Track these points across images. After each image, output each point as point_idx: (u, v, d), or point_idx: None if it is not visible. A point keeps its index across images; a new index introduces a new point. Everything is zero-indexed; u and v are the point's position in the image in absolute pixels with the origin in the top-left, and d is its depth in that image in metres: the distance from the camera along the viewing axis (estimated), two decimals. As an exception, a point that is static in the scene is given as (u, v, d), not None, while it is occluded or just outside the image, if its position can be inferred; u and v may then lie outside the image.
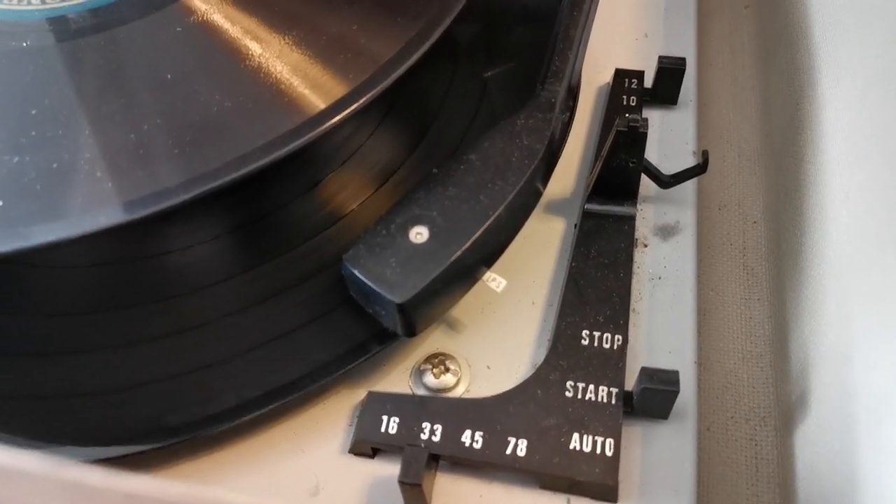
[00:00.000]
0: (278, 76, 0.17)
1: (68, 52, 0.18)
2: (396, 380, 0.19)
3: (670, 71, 0.24)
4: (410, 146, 0.21)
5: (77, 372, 0.18)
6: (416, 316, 0.17)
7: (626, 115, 0.19)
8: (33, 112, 0.17)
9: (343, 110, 0.16)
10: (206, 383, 0.17)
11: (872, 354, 0.16)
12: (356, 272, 0.16)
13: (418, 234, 0.17)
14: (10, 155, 0.16)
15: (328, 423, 0.18)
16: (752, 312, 0.21)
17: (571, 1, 0.21)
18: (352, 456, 0.18)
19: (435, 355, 0.19)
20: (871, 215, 0.17)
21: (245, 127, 0.16)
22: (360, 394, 0.19)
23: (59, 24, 0.19)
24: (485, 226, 0.17)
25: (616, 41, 0.27)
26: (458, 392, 0.19)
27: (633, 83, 0.24)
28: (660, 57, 0.24)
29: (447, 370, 0.19)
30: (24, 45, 0.18)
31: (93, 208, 0.15)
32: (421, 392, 0.19)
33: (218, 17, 0.19)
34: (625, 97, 0.24)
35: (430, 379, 0.19)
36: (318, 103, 0.16)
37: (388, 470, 0.18)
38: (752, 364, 0.21)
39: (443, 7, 0.18)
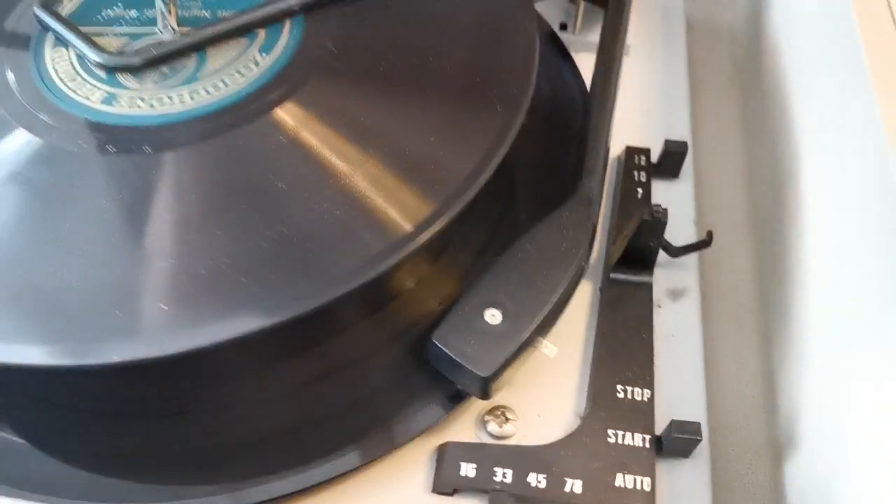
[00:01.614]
0: (366, 194, 0.20)
1: (181, 160, 0.21)
2: (463, 429, 0.23)
3: (674, 153, 0.28)
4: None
5: (206, 430, 0.21)
6: (492, 384, 0.20)
7: (651, 205, 0.23)
8: (170, 218, 0.20)
9: (433, 226, 0.19)
10: (322, 436, 0.21)
11: (849, 398, 0.20)
12: (445, 350, 0.20)
13: (493, 315, 0.21)
14: (165, 260, 0.19)
15: (412, 466, 0.22)
16: (744, 360, 0.26)
17: (598, 100, 0.25)
18: (435, 495, 0.22)
19: (497, 407, 0.23)
20: (844, 281, 0.22)
21: (366, 233, 0.19)
22: (433, 441, 0.23)
23: (170, 131, 0.22)
24: (546, 309, 0.21)
25: (619, 116, 0.31)
26: (516, 439, 0.23)
27: (641, 159, 0.29)
28: (665, 140, 0.28)
29: (507, 420, 0.23)
30: (146, 150, 0.21)
31: (245, 309, 0.18)
32: (485, 439, 0.23)
33: (306, 134, 0.22)
34: (636, 172, 0.28)
35: (493, 428, 0.23)
36: (424, 210, 0.20)
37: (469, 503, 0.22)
38: (746, 405, 0.25)
39: (509, 110, 0.22)
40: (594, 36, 0.34)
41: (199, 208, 0.20)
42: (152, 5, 0.25)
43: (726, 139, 0.33)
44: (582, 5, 0.32)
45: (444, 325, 0.21)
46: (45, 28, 0.24)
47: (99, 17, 0.25)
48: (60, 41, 0.24)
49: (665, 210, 0.23)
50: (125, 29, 0.24)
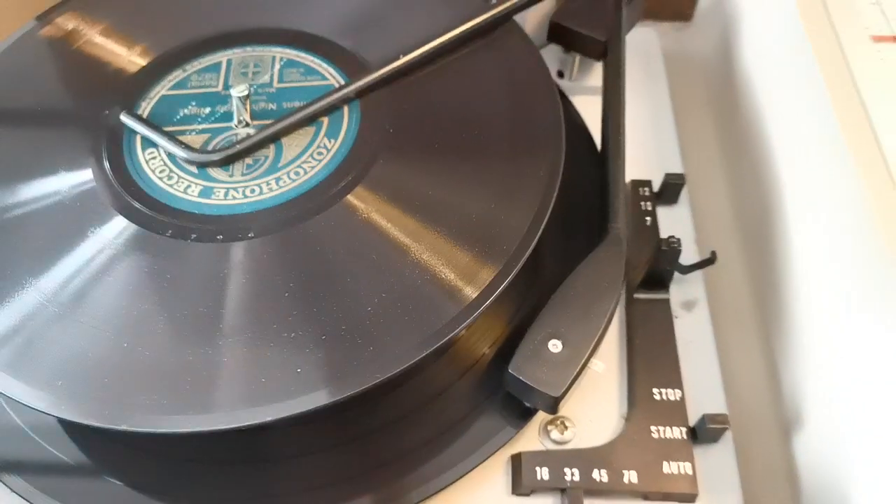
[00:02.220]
0: (434, 265, 0.25)
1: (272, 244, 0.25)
2: (529, 440, 0.27)
3: (673, 184, 0.33)
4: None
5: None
6: (560, 401, 0.25)
7: (669, 237, 0.28)
8: (286, 295, 0.24)
9: (498, 289, 0.24)
10: (423, 460, 0.25)
11: (844, 382, 0.25)
12: (521, 378, 0.24)
13: (555, 345, 0.25)
14: (288, 332, 0.23)
15: (493, 475, 0.27)
16: (750, 357, 0.31)
17: (612, 151, 0.30)
18: (515, 497, 0.26)
19: (556, 418, 0.28)
20: (830, 281, 0.27)
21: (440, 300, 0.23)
22: (505, 452, 0.27)
23: (266, 217, 0.26)
24: (598, 336, 0.25)
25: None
26: (575, 443, 0.27)
27: (645, 191, 0.33)
28: (666, 174, 0.33)
29: (566, 428, 0.27)
30: (250, 236, 0.25)
31: (362, 368, 0.22)
32: (549, 446, 0.27)
33: (371, 219, 0.25)
34: (641, 203, 0.33)
35: (556, 435, 0.27)
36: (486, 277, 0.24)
37: (544, 501, 0.26)
38: (755, 394, 0.30)
39: (551, 169, 0.26)
40: (588, 81, 0.39)
41: (308, 283, 0.24)
42: (223, 102, 0.29)
43: (708, 162, 0.38)
44: (578, 58, 0.36)
45: (516, 357, 0.25)
46: (133, 132, 0.28)
47: (176, 116, 0.28)
48: (149, 143, 0.28)
49: (679, 240, 0.28)
50: (204, 126, 0.28)
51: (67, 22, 0.33)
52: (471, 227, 0.25)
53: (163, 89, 0.29)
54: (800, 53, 0.30)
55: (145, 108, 0.29)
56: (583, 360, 0.25)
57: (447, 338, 0.23)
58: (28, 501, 0.25)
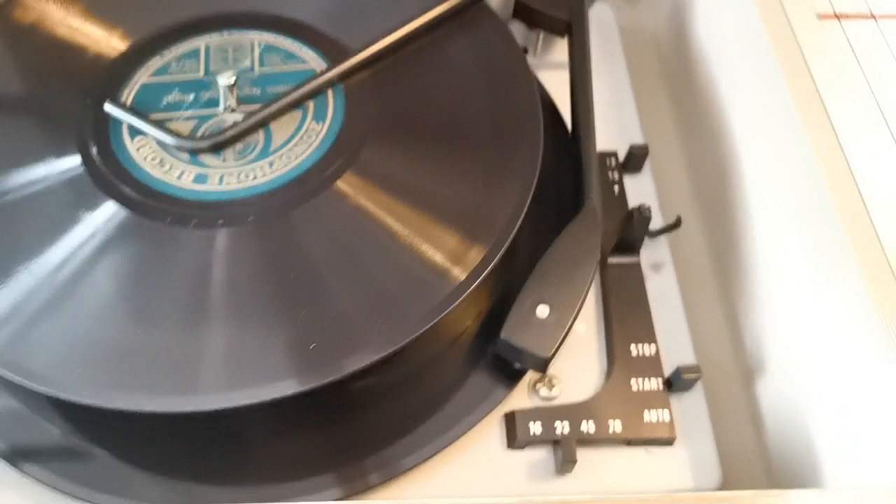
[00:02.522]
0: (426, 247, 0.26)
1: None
2: (518, 398, 0.29)
3: (637, 154, 0.35)
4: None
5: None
6: (550, 361, 0.27)
7: (641, 205, 0.30)
8: (292, 276, 0.25)
9: (487, 269, 0.25)
10: (426, 422, 0.27)
11: (799, 329, 0.28)
12: (512, 341, 0.26)
13: (542, 310, 0.27)
14: (298, 312, 0.24)
15: (487, 433, 0.28)
16: (712, 311, 0.34)
17: (584, 129, 0.32)
18: (511, 451, 0.28)
19: (543, 376, 0.30)
20: (780, 240, 0.29)
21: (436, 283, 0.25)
22: (498, 411, 0.29)
23: (262, 201, 0.26)
24: (581, 300, 0.27)
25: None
26: (562, 399, 0.29)
27: (611, 161, 0.35)
28: (630, 145, 0.35)
29: (553, 385, 0.29)
30: (251, 220, 0.26)
31: (368, 345, 0.23)
32: (538, 402, 0.29)
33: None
34: (609, 172, 0.35)
35: (544, 392, 0.29)
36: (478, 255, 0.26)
37: (538, 454, 0.28)
38: (718, 345, 0.33)
39: (531, 153, 0.28)
40: (551, 56, 0.40)
41: (311, 264, 0.25)
42: (207, 87, 0.29)
43: (664, 132, 0.40)
44: (542, 34, 0.38)
45: (507, 323, 0.27)
46: (119, 121, 0.28)
47: (161, 104, 0.29)
48: (137, 131, 0.28)
49: (650, 208, 0.30)
50: (190, 112, 0.28)
51: (37, 3, 0.32)
52: (459, 208, 0.27)
53: (143, 77, 0.29)
54: (751, 29, 0.32)
55: (128, 95, 0.29)
56: (569, 323, 0.27)
57: (446, 311, 0.25)
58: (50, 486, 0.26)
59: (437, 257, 0.26)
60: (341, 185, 0.27)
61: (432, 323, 0.25)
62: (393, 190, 0.27)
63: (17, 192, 0.27)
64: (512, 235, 0.26)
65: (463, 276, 0.26)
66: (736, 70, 0.35)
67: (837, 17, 0.32)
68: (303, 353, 0.23)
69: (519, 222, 0.26)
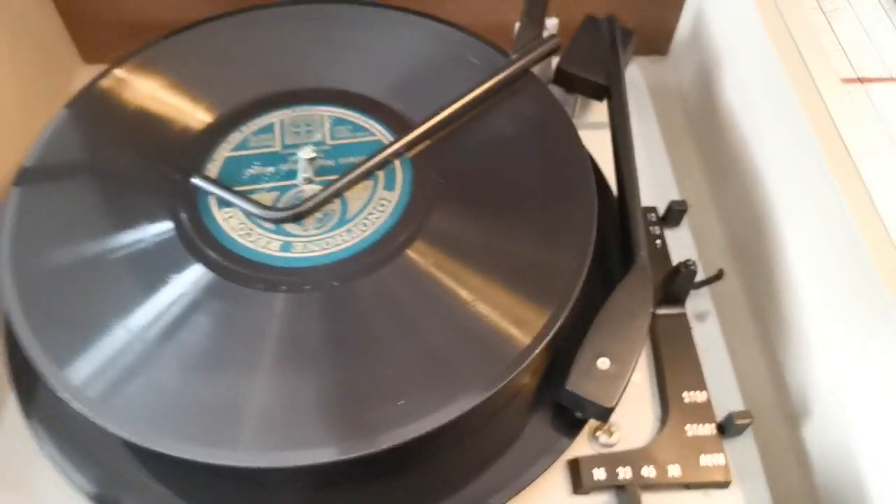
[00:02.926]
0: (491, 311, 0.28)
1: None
2: (579, 445, 0.31)
3: (677, 210, 0.37)
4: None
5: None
6: (612, 411, 0.29)
7: (686, 260, 0.32)
8: (377, 336, 0.27)
9: (551, 331, 0.27)
10: (494, 471, 0.28)
11: (843, 371, 0.30)
12: (578, 393, 0.28)
13: (603, 362, 0.29)
14: (384, 369, 0.26)
15: (552, 479, 0.30)
16: (753, 358, 0.35)
17: (629, 189, 0.34)
18: (576, 496, 0.30)
19: (602, 424, 0.31)
20: (816, 285, 0.31)
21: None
22: (561, 458, 0.31)
23: (344, 268, 0.28)
24: (638, 352, 0.29)
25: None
26: (621, 446, 0.31)
27: (652, 216, 0.38)
28: (671, 201, 0.37)
29: (612, 433, 0.31)
30: (335, 285, 0.28)
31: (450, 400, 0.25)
32: (599, 449, 0.31)
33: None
34: (650, 227, 0.37)
35: (604, 439, 0.31)
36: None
37: (601, 498, 0.30)
38: (760, 387, 0.35)
39: (587, 215, 0.30)
40: (588, 118, 0.43)
41: (390, 325, 0.27)
42: (284, 160, 0.32)
43: (695, 186, 0.43)
44: (579, 98, 0.41)
45: (572, 376, 0.28)
46: (207, 194, 0.30)
47: (243, 176, 0.31)
48: (224, 203, 0.30)
49: (695, 262, 0.32)
50: (271, 184, 0.31)
51: (126, 77, 0.35)
52: (523, 271, 0.29)
53: (225, 150, 0.32)
54: (778, 90, 0.35)
55: (212, 169, 0.31)
56: (629, 373, 0.29)
57: (517, 370, 0.27)
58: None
59: (506, 321, 0.28)
60: (412, 253, 0.29)
61: (504, 382, 0.26)
62: (460, 255, 0.29)
63: (116, 253, 0.29)
64: (574, 297, 0.28)
65: (529, 339, 0.27)
66: (764, 126, 0.38)
67: (860, 80, 0.34)
68: (392, 407, 0.25)
69: (580, 284, 0.28)
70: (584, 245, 0.29)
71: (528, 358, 0.27)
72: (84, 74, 0.47)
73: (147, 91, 0.34)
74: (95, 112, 0.34)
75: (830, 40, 0.36)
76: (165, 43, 0.36)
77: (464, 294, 0.28)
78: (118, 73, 0.35)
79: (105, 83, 0.35)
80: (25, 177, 0.32)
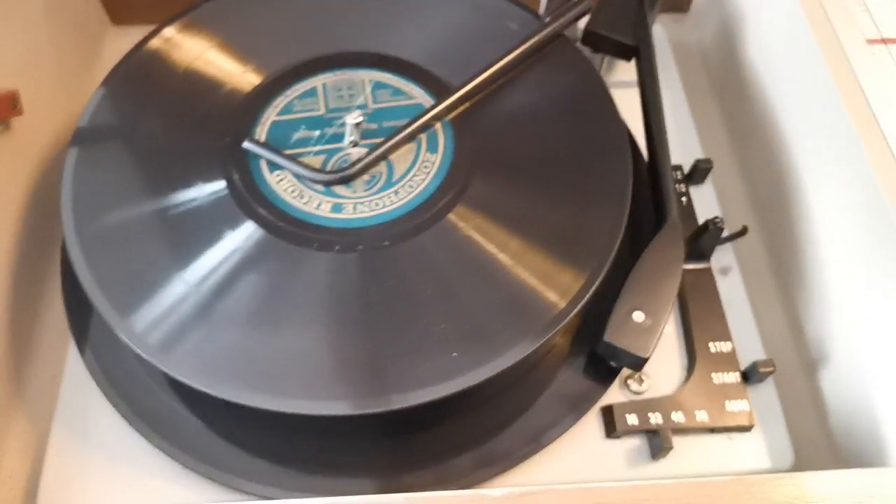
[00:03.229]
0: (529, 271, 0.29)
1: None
2: (610, 393, 0.33)
3: (702, 168, 0.38)
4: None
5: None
6: (646, 361, 0.30)
7: (714, 217, 0.34)
8: (429, 293, 0.28)
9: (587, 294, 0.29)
10: (538, 417, 0.30)
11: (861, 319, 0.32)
12: (616, 344, 0.30)
13: (638, 315, 0.31)
14: (436, 325, 0.27)
15: (587, 425, 0.32)
16: (772, 309, 0.37)
17: (660, 149, 0.35)
18: (609, 440, 0.32)
19: (633, 373, 0.33)
20: (836, 241, 0.33)
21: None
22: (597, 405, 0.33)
23: (393, 227, 0.30)
24: (671, 305, 0.31)
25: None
26: (650, 393, 0.33)
27: (677, 174, 0.39)
28: (696, 159, 0.38)
29: (642, 381, 0.33)
30: (385, 244, 0.29)
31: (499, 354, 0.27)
32: (630, 396, 0.33)
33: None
34: (676, 185, 0.39)
35: (635, 386, 0.33)
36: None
37: (632, 442, 0.32)
38: (779, 336, 0.37)
39: (622, 180, 0.31)
40: (613, 77, 0.44)
41: (441, 282, 0.29)
42: (328, 124, 0.33)
43: (717, 144, 0.44)
44: (606, 58, 0.41)
45: (609, 328, 0.30)
46: (257, 157, 0.31)
47: (291, 140, 0.32)
48: (275, 166, 0.31)
49: (722, 219, 0.34)
50: (318, 147, 0.32)
51: (173, 38, 0.36)
52: (562, 234, 0.30)
53: (271, 115, 0.33)
54: (805, 50, 0.36)
55: (261, 133, 0.32)
56: (662, 325, 0.31)
57: (556, 328, 0.28)
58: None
59: (560, 278, 0.29)
60: (456, 214, 0.30)
61: (543, 341, 0.28)
62: (502, 216, 0.30)
63: (175, 209, 0.30)
64: (609, 263, 0.29)
65: (565, 303, 0.29)
66: (788, 84, 0.39)
67: (884, 41, 0.35)
68: (445, 359, 0.27)
69: (615, 249, 0.30)
70: (619, 210, 0.31)
71: (565, 319, 0.29)
72: (112, 36, 0.48)
73: (194, 53, 0.35)
74: (143, 73, 0.35)
75: (856, 1, 0.37)
76: (208, 6, 0.36)
77: (504, 256, 0.30)
78: (166, 33, 0.36)
79: (153, 44, 0.35)
80: (80, 137, 0.33)
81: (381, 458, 0.30)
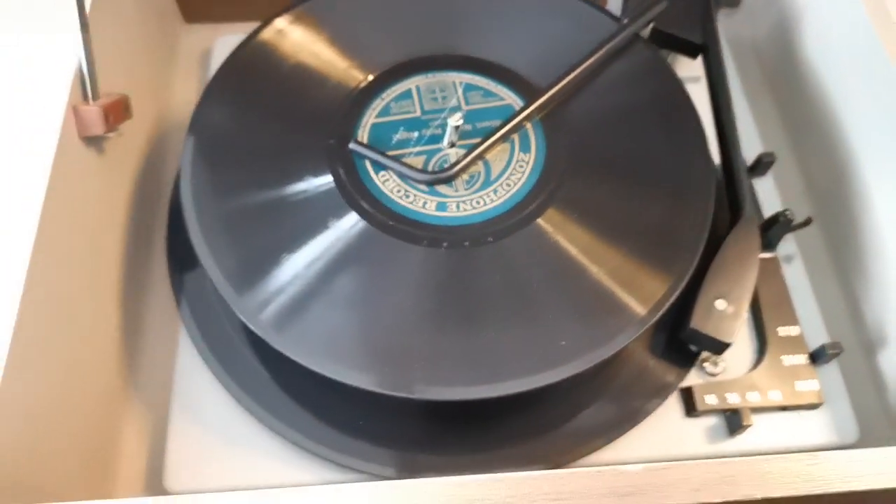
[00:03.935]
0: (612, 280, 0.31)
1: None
2: (692, 373, 0.36)
3: (766, 162, 0.41)
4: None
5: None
6: (730, 345, 0.33)
7: (785, 209, 0.36)
8: (534, 286, 0.30)
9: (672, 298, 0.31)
10: (629, 401, 0.33)
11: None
12: (702, 331, 0.32)
13: (721, 303, 0.33)
14: (546, 315, 0.30)
15: (667, 405, 0.35)
16: (832, 295, 0.40)
17: (733, 148, 0.37)
18: (688, 418, 0.34)
19: (709, 355, 0.36)
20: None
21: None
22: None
23: (495, 225, 0.32)
24: (751, 293, 0.33)
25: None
26: (725, 375, 0.36)
27: (742, 168, 0.41)
28: (760, 153, 0.40)
29: (717, 364, 0.36)
30: (489, 240, 0.31)
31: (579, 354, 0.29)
32: (706, 378, 0.36)
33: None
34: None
35: (710, 368, 0.35)
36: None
37: (710, 421, 0.34)
38: (839, 320, 0.39)
39: (706, 187, 0.33)
40: (680, 72, 0.45)
41: (546, 277, 0.31)
42: (425, 125, 0.35)
43: (773, 136, 0.46)
44: (671, 55, 0.43)
45: (695, 316, 0.33)
46: (363, 158, 0.33)
47: (392, 142, 0.34)
48: (379, 167, 0.33)
49: (792, 212, 0.36)
50: (418, 148, 0.34)
51: (275, 39, 0.38)
52: (649, 238, 0.32)
53: (371, 117, 0.35)
54: (865, 40, 0.37)
55: (363, 135, 0.34)
56: (744, 312, 0.33)
57: (649, 323, 0.30)
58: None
59: (651, 282, 0.31)
60: (558, 207, 0.32)
61: (629, 342, 0.30)
62: (594, 215, 0.33)
63: (287, 199, 0.33)
64: (695, 263, 0.32)
65: (645, 311, 0.31)
66: (846, 77, 0.40)
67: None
68: (555, 348, 0.29)
69: (700, 252, 0.32)
70: (703, 215, 0.33)
71: (653, 319, 0.31)
72: (185, 33, 0.49)
73: (297, 49, 0.37)
74: (249, 68, 0.37)
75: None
76: (308, 5, 0.38)
77: (597, 256, 0.32)
78: (267, 34, 0.37)
79: (256, 44, 0.37)
80: (196, 126, 0.35)
81: (490, 439, 0.33)
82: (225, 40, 0.45)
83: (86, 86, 0.32)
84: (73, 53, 0.32)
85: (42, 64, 0.32)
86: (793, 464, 0.27)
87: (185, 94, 0.47)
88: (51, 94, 0.31)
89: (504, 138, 0.34)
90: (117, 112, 0.34)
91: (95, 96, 0.33)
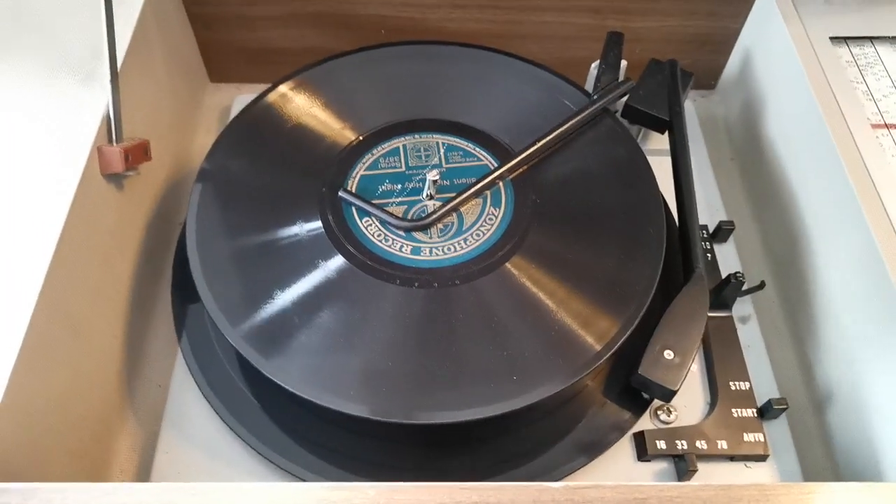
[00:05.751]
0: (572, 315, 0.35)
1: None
2: (643, 420, 0.38)
3: (726, 229, 0.44)
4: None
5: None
6: (675, 393, 0.35)
7: (736, 272, 0.39)
8: (492, 325, 0.33)
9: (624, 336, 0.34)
10: (581, 441, 0.35)
11: (863, 366, 0.36)
12: (649, 377, 0.35)
13: (668, 353, 0.36)
14: (501, 352, 0.33)
15: (620, 448, 0.37)
16: (785, 354, 0.42)
17: (688, 212, 0.40)
18: (640, 462, 0.37)
19: (663, 405, 0.38)
20: (843, 297, 0.38)
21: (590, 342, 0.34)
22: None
23: (465, 269, 0.35)
24: (697, 347, 0.36)
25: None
26: (677, 423, 0.38)
27: (703, 233, 0.44)
28: (720, 221, 0.44)
29: (670, 412, 0.38)
30: (456, 283, 0.35)
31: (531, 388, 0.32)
32: (658, 425, 0.38)
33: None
34: (702, 243, 0.44)
35: (663, 417, 0.38)
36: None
37: (660, 465, 0.37)
38: (792, 381, 0.41)
39: (657, 240, 0.37)
40: (648, 145, 0.49)
41: (506, 316, 0.34)
42: (408, 179, 0.39)
43: (737, 206, 0.49)
44: (641, 129, 0.47)
45: (643, 363, 0.35)
46: (350, 205, 0.37)
47: (377, 192, 0.38)
48: (364, 213, 0.37)
49: (743, 274, 0.39)
50: (400, 199, 0.38)
51: (279, 100, 0.42)
52: (603, 284, 0.35)
53: (361, 170, 0.39)
54: (817, 130, 0.41)
55: (352, 185, 0.38)
56: (689, 363, 0.36)
57: (590, 369, 0.33)
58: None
59: (600, 324, 0.35)
60: (517, 259, 0.36)
61: (580, 378, 0.33)
62: (553, 261, 0.36)
63: (281, 241, 0.36)
64: (642, 314, 0.35)
65: (600, 346, 0.34)
66: (802, 158, 0.44)
67: (887, 126, 0.41)
68: (506, 381, 0.32)
69: (648, 301, 0.35)
70: (654, 264, 0.36)
71: (601, 360, 0.33)
72: (210, 91, 0.55)
73: (298, 112, 0.42)
74: (256, 125, 0.41)
75: (863, 90, 0.42)
76: (308, 73, 0.43)
77: (553, 300, 0.35)
78: (273, 97, 0.42)
79: (263, 105, 0.42)
80: (204, 175, 0.39)
81: (456, 462, 0.35)
82: (243, 98, 0.50)
83: (111, 129, 0.37)
84: (103, 100, 0.37)
85: (75, 107, 0.37)
86: (703, 492, 0.29)
87: (204, 145, 0.51)
88: (80, 133, 0.36)
89: (477, 194, 0.38)
90: (137, 154, 0.38)
91: (119, 139, 0.37)
